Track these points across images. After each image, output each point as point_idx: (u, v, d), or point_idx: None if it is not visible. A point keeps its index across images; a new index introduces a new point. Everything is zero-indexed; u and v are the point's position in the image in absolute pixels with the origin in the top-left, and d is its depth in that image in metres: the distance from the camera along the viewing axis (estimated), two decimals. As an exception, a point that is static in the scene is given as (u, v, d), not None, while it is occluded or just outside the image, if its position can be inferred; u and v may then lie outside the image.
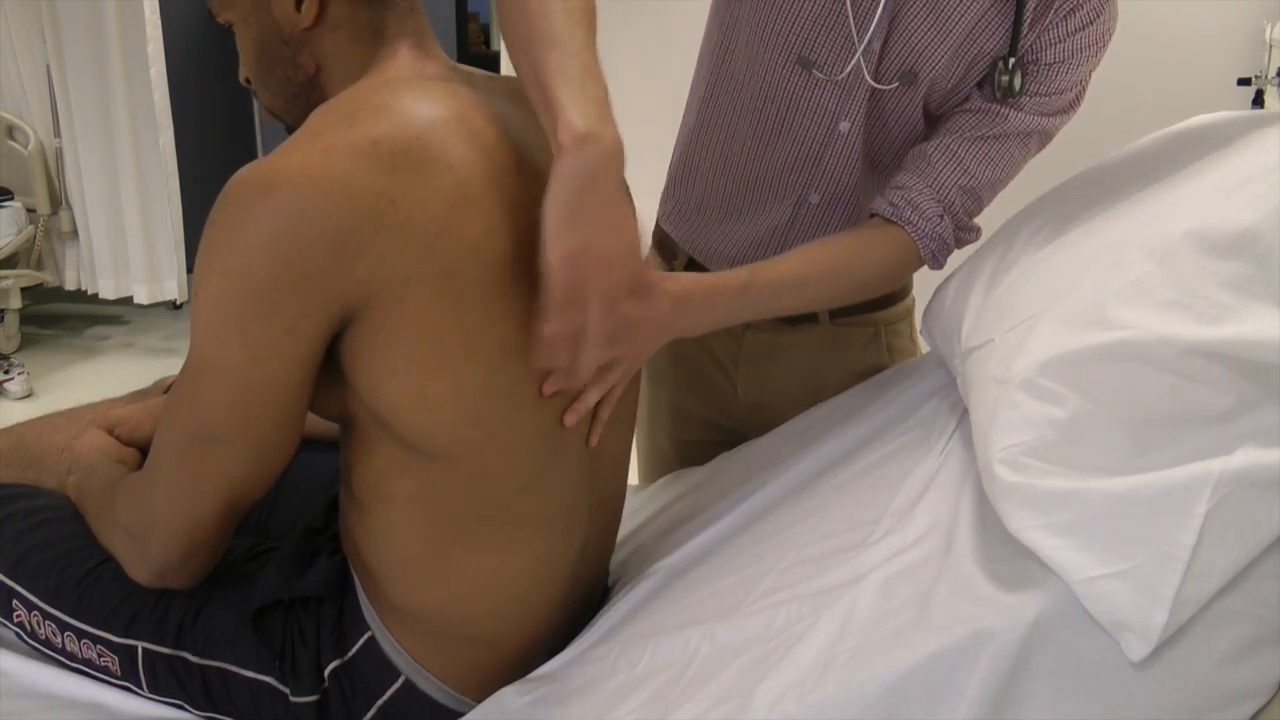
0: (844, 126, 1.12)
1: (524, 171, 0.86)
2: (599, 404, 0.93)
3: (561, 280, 0.76)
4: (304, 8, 0.88)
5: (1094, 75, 1.12)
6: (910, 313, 1.33)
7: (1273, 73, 2.52)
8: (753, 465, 1.15)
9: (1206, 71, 2.72)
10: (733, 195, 1.22)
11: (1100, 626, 0.66)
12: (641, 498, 1.30)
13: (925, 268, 1.15)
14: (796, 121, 1.14)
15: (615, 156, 0.76)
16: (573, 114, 0.75)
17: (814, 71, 1.10)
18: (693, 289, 0.95)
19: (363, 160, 0.77)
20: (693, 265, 1.30)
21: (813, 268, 1.07)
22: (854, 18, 1.06)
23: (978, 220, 1.15)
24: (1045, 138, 1.12)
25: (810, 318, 1.26)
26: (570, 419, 0.89)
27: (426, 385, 0.81)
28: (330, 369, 0.83)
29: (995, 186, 1.13)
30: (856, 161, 1.14)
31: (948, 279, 1.11)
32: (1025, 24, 1.06)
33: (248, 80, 0.96)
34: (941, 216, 1.10)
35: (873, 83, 1.09)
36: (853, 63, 1.08)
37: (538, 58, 0.80)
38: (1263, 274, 0.69)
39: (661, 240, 1.34)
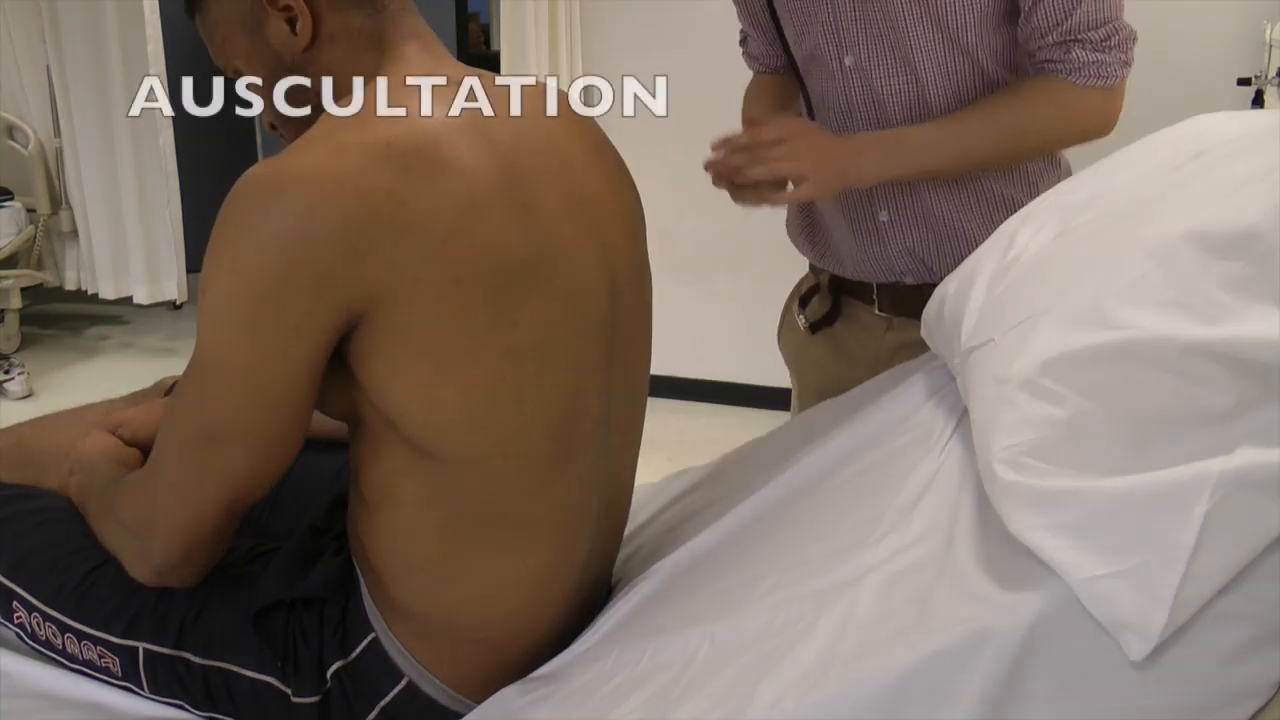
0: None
1: (536, 177, 0.86)
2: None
3: (784, 125, 1.14)
4: (299, 28, 0.87)
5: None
6: None
7: (1273, 73, 2.51)
8: (753, 465, 1.15)
9: (1206, 71, 2.72)
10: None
11: (1100, 626, 0.66)
12: (643, 496, 1.30)
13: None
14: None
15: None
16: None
17: None
18: (857, 137, 1.21)
19: (375, 161, 0.77)
20: (834, 282, 1.38)
21: (969, 112, 1.19)
22: None
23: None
24: None
25: None
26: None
27: (434, 388, 0.81)
28: (340, 369, 0.83)
29: None
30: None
31: (947, 279, 1.11)
32: None
33: (273, 126, 0.95)
34: (1069, 48, 1.14)
35: None
36: None
37: None
38: (1263, 274, 0.69)
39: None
